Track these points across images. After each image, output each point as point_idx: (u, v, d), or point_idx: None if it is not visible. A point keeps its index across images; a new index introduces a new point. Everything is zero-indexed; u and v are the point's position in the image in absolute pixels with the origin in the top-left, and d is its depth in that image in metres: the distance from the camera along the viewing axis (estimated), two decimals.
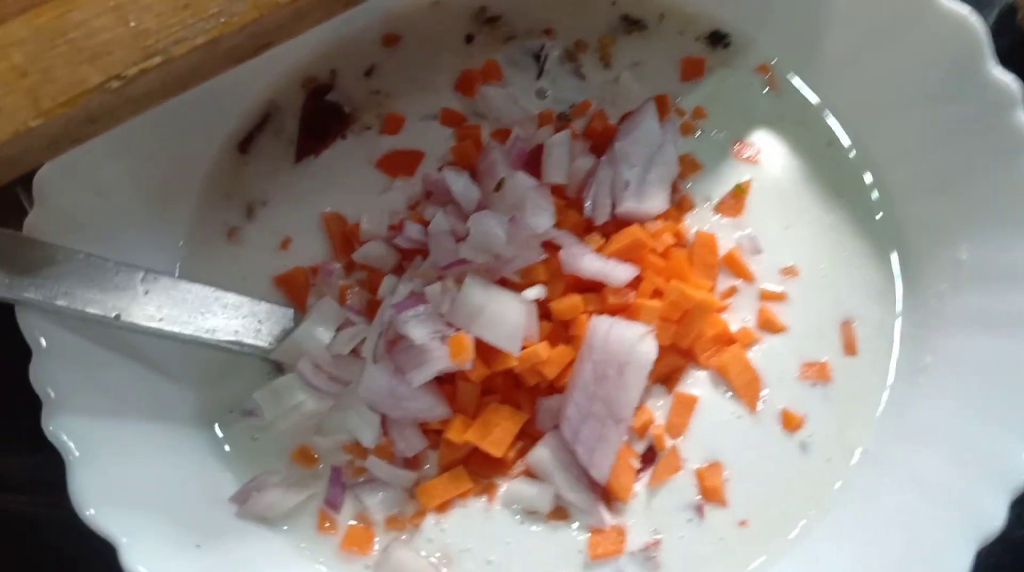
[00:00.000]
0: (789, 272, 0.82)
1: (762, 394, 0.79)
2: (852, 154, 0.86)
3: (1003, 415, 0.73)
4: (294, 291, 0.82)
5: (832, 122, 0.87)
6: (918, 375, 0.79)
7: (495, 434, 0.75)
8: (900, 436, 0.78)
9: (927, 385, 0.78)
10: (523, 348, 0.74)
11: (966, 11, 0.76)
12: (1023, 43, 0.90)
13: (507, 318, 0.74)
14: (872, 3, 0.81)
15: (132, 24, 0.60)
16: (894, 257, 0.83)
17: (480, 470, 0.77)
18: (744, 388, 0.79)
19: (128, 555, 0.68)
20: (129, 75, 0.60)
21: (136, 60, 0.60)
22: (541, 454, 0.75)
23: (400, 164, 0.85)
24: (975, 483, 0.71)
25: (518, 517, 0.76)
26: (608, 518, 0.75)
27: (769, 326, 0.81)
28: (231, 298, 0.79)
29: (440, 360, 0.73)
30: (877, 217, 0.84)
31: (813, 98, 0.87)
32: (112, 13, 0.60)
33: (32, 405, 0.72)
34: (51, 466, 0.70)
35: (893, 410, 0.79)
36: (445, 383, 0.76)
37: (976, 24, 0.76)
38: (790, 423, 0.78)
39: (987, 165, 0.77)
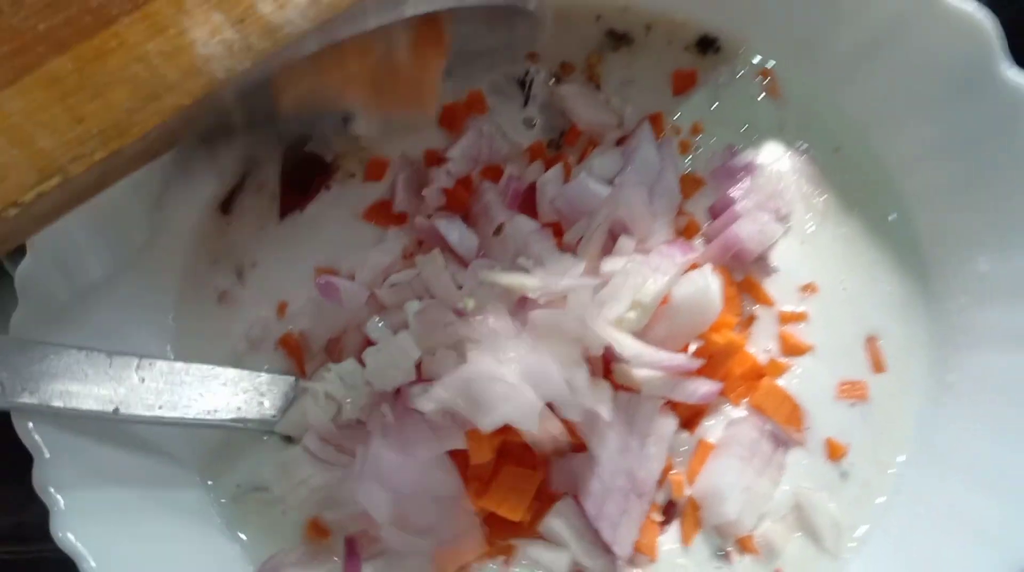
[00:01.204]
0: (808, 289, 0.79)
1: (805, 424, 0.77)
2: (862, 161, 0.82)
3: None
4: (294, 354, 0.80)
5: (838, 128, 0.82)
6: (943, 395, 0.77)
7: (511, 500, 0.73)
8: (929, 461, 0.75)
9: (953, 406, 0.76)
10: None
11: (975, 8, 0.71)
12: None
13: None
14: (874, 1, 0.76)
15: (27, 144, 0.57)
16: (913, 269, 0.80)
17: (496, 532, 0.75)
18: (786, 419, 0.76)
19: None
20: (26, 201, 0.57)
21: (33, 183, 0.57)
22: (554, 524, 0.73)
23: (389, 214, 0.82)
24: (1005, 513, 0.69)
25: None
26: None
27: (794, 350, 0.78)
28: (230, 374, 0.76)
29: (450, 437, 0.71)
30: (892, 227, 0.80)
31: (816, 103, 0.83)
32: (5, 135, 0.57)
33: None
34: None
35: (922, 432, 0.77)
36: (456, 451, 0.73)
37: (986, 22, 0.71)
38: (835, 453, 0.76)
39: (1004, 172, 0.73)
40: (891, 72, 0.78)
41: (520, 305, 0.74)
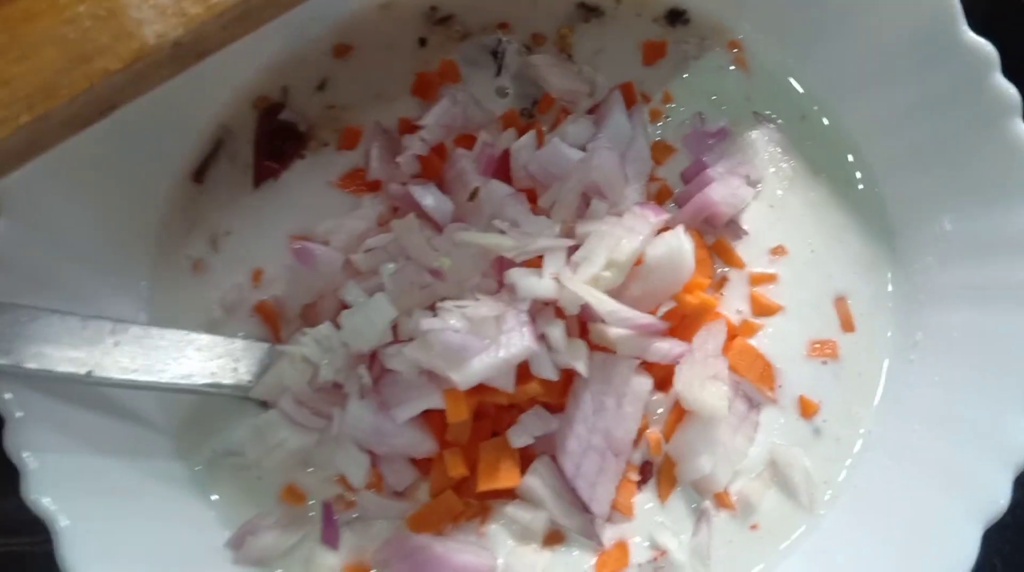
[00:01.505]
0: (778, 252, 0.81)
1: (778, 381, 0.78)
2: (828, 128, 0.84)
3: (996, 391, 0.72)
4: (270, 320, 0.80)
5: (804, 97, 0.84)
6: (910, 352, 0.78)
7: (502, 468, 0.73)
8: (900, 415, 0.77)
9: (920, 362, 0.78)
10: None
11: None
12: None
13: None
14: None
15: None
16: (879, 231, 0.82)
17: (472, 493, 0.74)
18: (759, 378, 0.77)
19: None
20: None
21: None
22: (531, 483, 0.73)
23: (363, 182, 0.82)
24: (976, 462, 0.70)
25: (513, 541, 0.74)
26: (607, 538, 0.74)
27: (765, 310, 0.79)
28: (204, 339, 0.76)
29: (427, 396, 0.71)
30: (859, 191, 0.83)
31: (782, 73, 0.85)
32: None
33: None
34: None
35: (891, 388, 0.79)
36: (432, 413, 0.73)
37: None
38: (807, 410, 0.78)
39: (966, 134, 0.76)
40: (855, 41, 0.80)
41: (496, 265, 0.74)
